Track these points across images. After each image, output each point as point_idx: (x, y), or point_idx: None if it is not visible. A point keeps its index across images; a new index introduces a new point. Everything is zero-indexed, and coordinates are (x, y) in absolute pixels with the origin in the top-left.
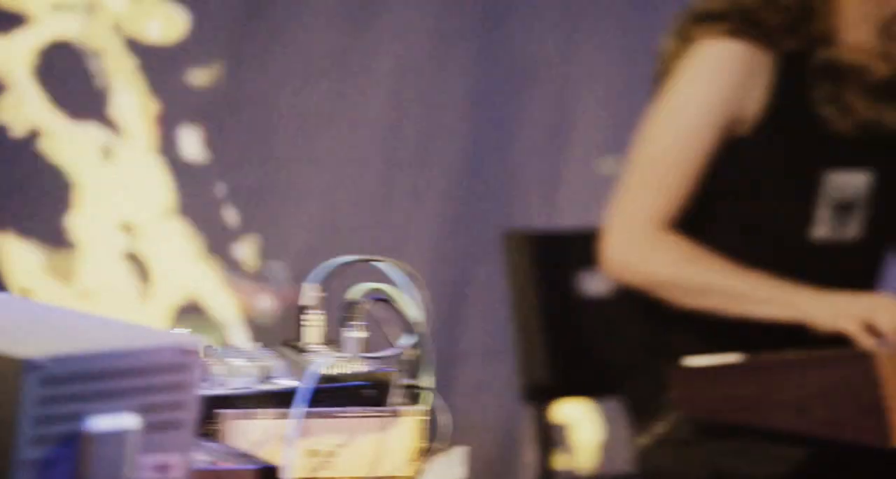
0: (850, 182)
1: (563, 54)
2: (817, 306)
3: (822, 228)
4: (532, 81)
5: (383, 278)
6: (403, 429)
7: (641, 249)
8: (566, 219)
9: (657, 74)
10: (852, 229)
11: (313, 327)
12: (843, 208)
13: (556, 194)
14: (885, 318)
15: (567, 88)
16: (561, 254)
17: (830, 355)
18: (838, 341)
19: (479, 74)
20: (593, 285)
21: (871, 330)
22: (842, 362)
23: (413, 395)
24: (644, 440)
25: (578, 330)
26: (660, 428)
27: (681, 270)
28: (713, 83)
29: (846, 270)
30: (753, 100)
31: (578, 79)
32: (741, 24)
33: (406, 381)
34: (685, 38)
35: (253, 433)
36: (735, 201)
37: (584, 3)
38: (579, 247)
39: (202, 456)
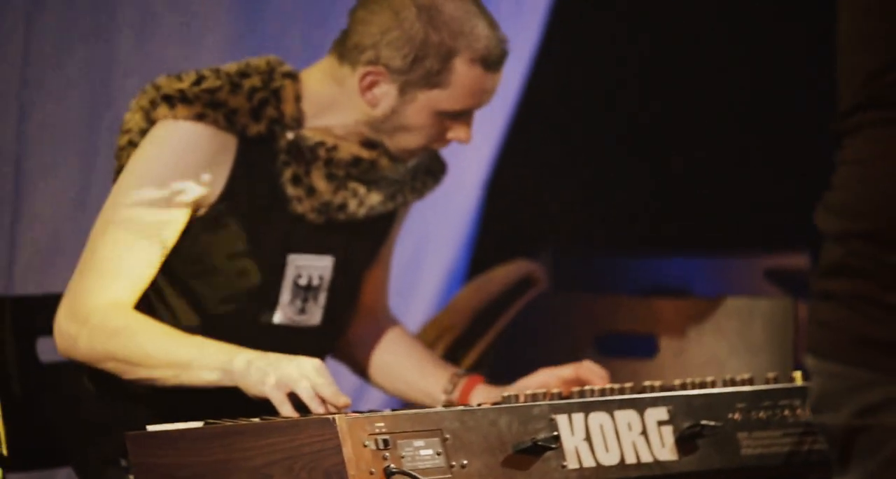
0: (315, 266)
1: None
2: (250, 372)
3: (284, 312)
4: None
5: None
6: None
7: (84, 325)
8: (26, 284)
9: (120, 148)
10: (314, 315)
11: None
12: (307, 292)
13: (16, 257)
14: (303, 385)
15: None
16: (19, 319)
17: (293, 421)
18: None
19: None
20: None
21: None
22: (304, 427)
23: None
24: None
25: (35, 398)
26: None
27: (120, 343)
28: (174, 166)
29: (307, 354)
30: (217, 183)
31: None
32: (205, 109)
33: None
34: (151, 118)
35: None
36: (195, 281)
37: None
38: (38, 313)
39: None
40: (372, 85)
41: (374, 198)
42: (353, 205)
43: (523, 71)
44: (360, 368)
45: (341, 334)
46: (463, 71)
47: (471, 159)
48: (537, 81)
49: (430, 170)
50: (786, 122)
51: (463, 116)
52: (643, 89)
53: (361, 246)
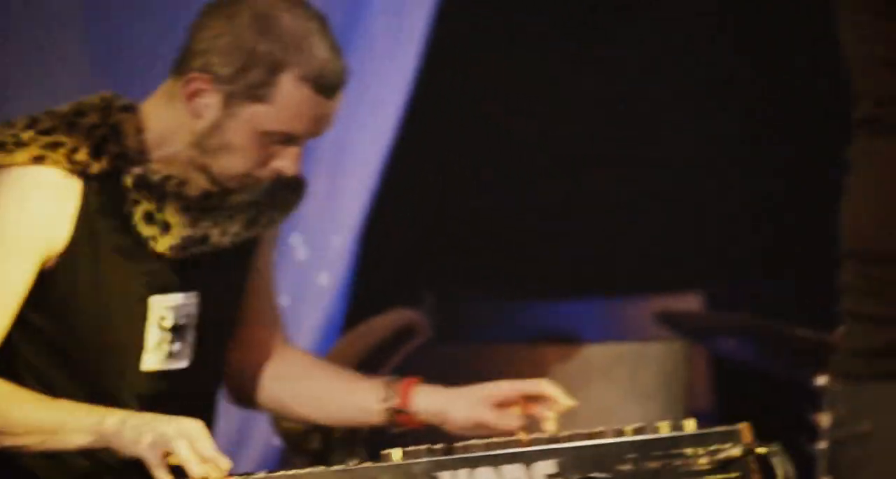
0: (179, 305)
1: None
2: (123, 432)
3: (153, 357)
4: None
5: None
6: None
7: None
8: None
9: None
10: (185, 356)
11: None
12: (174, 334)
13: None
14: (180, 445)
15: None
16: None
17: None
18: None
19: None
20: None
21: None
22: None
23: None
24: None
25: None
26: None
27: None
28: (17, 216)
29: (183, 398)
30: (65, 229)
31: None
32: (43, 151)
33: None
34: None
35: None
36: (55, 335)
37: None
38: None
39: None
40: (196, 93)
41: (237, 224)
42: (215, 235)
43: (399, 107)
44: (279, 406)
45: (218, 373)
46: (289, 88)
47: (345, 203)
48: (415, 117)
49: (289, 184)
50: (674, 164)
51: (290, 145)
52: (527, 131)
53: (228, 277)
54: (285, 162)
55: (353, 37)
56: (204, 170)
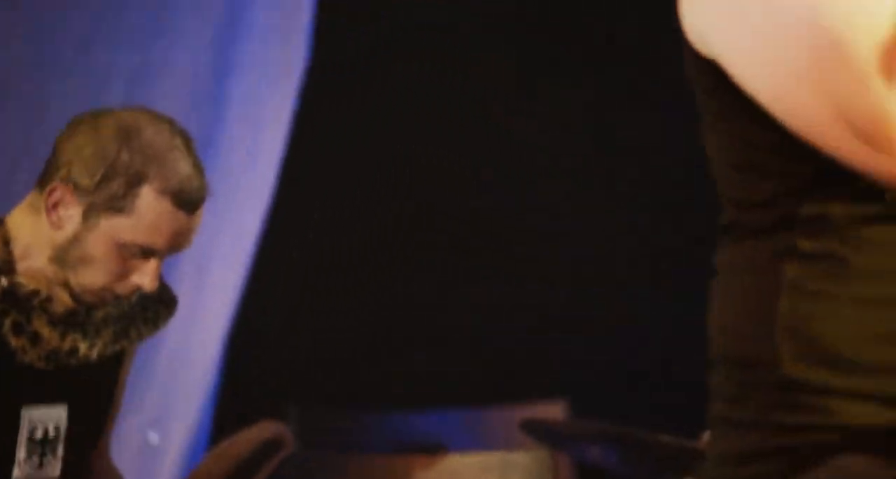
0: (49, 417)
1: None
2: None
3: (22, 470)
4: None
5: None
6: None
7: None
8: None
9: None
10: (54, 468)
11: None
12: (44, 446)
13: None
14: None
15: None
16: None
17: None
18: None
19: None
20: None
21: None
22: None
23: None
24: None
25: None
26: None
27: None
28: None
29: None
30: None
31: None
32: None
33: None
34: None
35: None
36: None
37: None
38: None
39: None
40: (57, 204)
41: (105, 338)
42: (83, 348)
43: (261, 213)
44: None
45: None
46: (149, 200)
47: (209, 318)
48: (276, 224)
49: (161, 299)
50: (533, 266)
51: (150, 259)
52: (389, 237)
53: (96, 389)
54: (144, 277)
55: (210, 152)
56: (65, 285)
